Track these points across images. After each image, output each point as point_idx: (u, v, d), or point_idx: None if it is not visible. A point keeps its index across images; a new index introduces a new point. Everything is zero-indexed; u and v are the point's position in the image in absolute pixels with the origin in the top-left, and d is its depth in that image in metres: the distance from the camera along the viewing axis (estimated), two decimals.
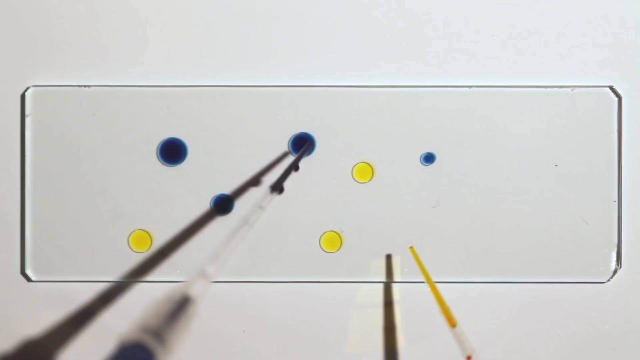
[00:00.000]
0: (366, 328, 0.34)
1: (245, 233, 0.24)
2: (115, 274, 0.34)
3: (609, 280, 0.34)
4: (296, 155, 0.32)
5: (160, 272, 0.34)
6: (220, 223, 0.34)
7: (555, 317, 0.34)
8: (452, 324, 0.28)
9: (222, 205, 0.34)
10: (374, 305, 0.34)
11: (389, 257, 0.34)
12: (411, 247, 0.33)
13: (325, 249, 0.34)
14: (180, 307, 0.19)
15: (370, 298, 0.34)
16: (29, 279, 0.34)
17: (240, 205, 0.34)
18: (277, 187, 0.28)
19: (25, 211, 0.34)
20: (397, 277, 0.34)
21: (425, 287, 0.33)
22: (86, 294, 0.34)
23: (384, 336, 0.34)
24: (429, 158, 0.34)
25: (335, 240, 0.34)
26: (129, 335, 0.18)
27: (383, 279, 0.34)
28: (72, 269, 0.34)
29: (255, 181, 0.33)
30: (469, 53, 0.34)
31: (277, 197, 0.34)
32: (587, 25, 0.34)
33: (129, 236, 0.34)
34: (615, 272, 0.34)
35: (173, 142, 0.34)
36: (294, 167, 0.31)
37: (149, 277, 0.34)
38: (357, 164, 0.34)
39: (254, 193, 0.34)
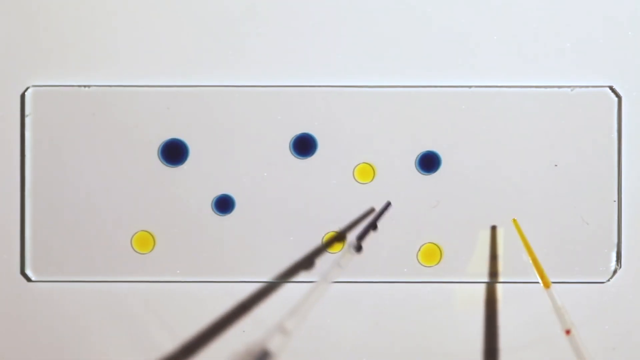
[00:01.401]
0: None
1: (324, 290, 0.26)
2: (116, 275, 0.34)
3: (608, 280, 0.34)
4: (374, 215, 0.33)
5: (161, 272, 0.34)
6: (222, 223, 0.34)
7: (555, 317, 0.34)
8: (547, 284, 0.29)
9: (224, 205, 0.34)
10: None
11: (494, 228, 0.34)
12: (514, 220, 0.33)
13: (327, 250, 0.34)
14: None
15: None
16: (29, 279, 0.34)
17: (242, 205, 0.34)
18: (357, 247, 0.30)
19: (25, 211, 0.34)
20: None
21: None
22: (86, 294, 0.34)
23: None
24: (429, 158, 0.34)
25: (337, 242, 0.34)
26: None
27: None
28: (72, 269, 0.34)
29: (341, 236, 0.34)
30: (469, 53, 0.34)
31: (278, 199, 0.34)
32: (587, 25, 0.34)
33: (131, 237, 0.34)
34: (615, 272, 0.34)
35: (174, 142, 0.34)
36: (373, 226, 0.32)
37: (152, 278, 0.34)
38: (359, 164, 0.34)
39: (257, 196, 0.34)
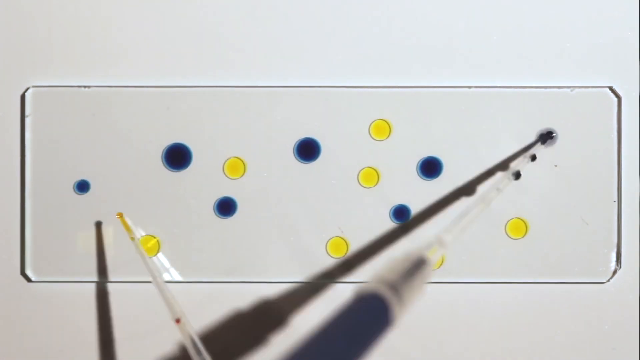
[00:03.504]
0: None
1: (481, 210, 0.26)
2: (118, 276, 0.34)
3: (608, 281, 0.34)
4: (533, 147, 0.34)
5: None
6: (224, 226, 0.34)
7: (555, 317, 0.34)
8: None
9: (225, 207, 0.34)
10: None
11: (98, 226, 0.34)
12: (119, 214, 0.33)
13: (331, 255, 0.34)
14: (416, 266, 0.21)
15: None
16: (29, 279, 0.34)
17: (244, 208, 0.34)
18: (516, 175, 0.30)
19: (25, 211, 0.34)
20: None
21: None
22: (87, 294, 0.34)
23: None
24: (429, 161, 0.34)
25: (341, 246, 0.34)
26: (367, 287, 0.19)
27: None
28: (72, 269, 0.34)
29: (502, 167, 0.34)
30: (468, 53, 0.34)
31: (280, 200, 0.34)
32: (587, 25, 0.34)
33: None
34: (615, 272, 0.34)
35: (177, 147, 0.34)
36: (532, 156, 0.33)
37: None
38: (363, 169, 0.34)
39: (259, 195, 0.34)
